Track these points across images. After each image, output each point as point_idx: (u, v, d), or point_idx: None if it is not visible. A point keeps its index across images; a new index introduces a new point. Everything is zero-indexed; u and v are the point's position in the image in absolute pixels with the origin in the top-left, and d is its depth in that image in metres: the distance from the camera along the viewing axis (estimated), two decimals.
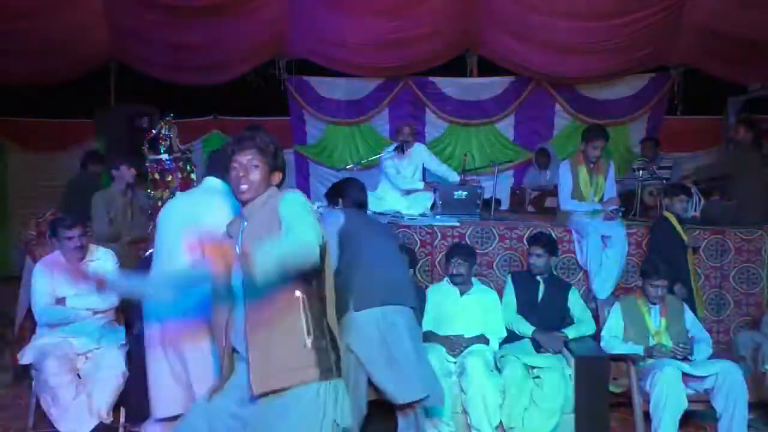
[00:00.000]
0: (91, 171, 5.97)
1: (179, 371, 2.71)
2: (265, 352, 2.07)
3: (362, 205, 3.63)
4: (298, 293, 2.09)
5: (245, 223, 2.25)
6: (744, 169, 5.41)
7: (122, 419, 3.76)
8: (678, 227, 4.54)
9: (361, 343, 3.07)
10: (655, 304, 3.94)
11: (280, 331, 2.07)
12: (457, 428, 3.66)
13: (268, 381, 2.06)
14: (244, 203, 2.26)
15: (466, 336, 3.89)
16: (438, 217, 5.21)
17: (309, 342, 2.06)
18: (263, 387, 2.06)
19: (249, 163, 2.22)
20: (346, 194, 3.61)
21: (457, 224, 4.95)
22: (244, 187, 2.21)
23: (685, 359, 3.77)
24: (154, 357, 2.80)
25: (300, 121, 7.90)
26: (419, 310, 3.54)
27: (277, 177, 2.30)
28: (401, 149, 5.77)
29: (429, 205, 5.51)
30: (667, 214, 4.64)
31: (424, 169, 5.91)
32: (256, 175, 2.22)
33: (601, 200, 4.90)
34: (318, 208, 3.94)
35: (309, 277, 2.13)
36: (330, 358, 2.12)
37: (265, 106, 7.94)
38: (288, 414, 2.04)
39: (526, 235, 4.82)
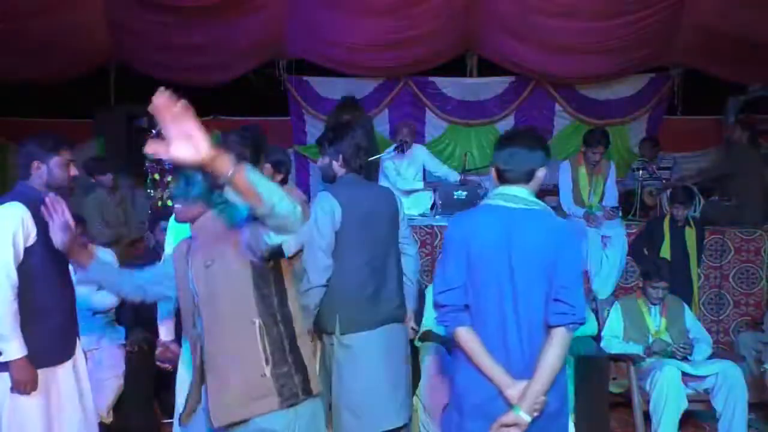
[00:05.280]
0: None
1: None
2: (223, 381, 1.93)
3: (362, 166, 2.97)
4: (255, 320, 1.90)
5: (196, 243, 2.02)
6: (743, 167, 5.42)
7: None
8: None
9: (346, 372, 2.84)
10: (655, 304, 3.94)
11: (237, 360, 1.91)
12: None
13: (226, 413, 1.92)
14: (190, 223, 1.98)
15: None
16: (438, 217, 5.21)
17: (268, 371, 1.88)
18: (222, 419, 1.93)
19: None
20: (346, 149, 2.89)
21: None
22: (178, 207, 1.92)
23: (685, 359, 3.78)
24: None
25: (300, 121, 7.89)
26: (417, 310, 3.51)
27: None
28: (401, 149, 5.76)
29: (429, 205, 5.51)
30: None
31: (425, 170, 5.91)
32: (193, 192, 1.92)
33: (600, 202, 4.90)
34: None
35: (268, 294, 1.94)
36: (294, 381, 1.92)
37: (265, 106, 7.91)
38: None
39: None
